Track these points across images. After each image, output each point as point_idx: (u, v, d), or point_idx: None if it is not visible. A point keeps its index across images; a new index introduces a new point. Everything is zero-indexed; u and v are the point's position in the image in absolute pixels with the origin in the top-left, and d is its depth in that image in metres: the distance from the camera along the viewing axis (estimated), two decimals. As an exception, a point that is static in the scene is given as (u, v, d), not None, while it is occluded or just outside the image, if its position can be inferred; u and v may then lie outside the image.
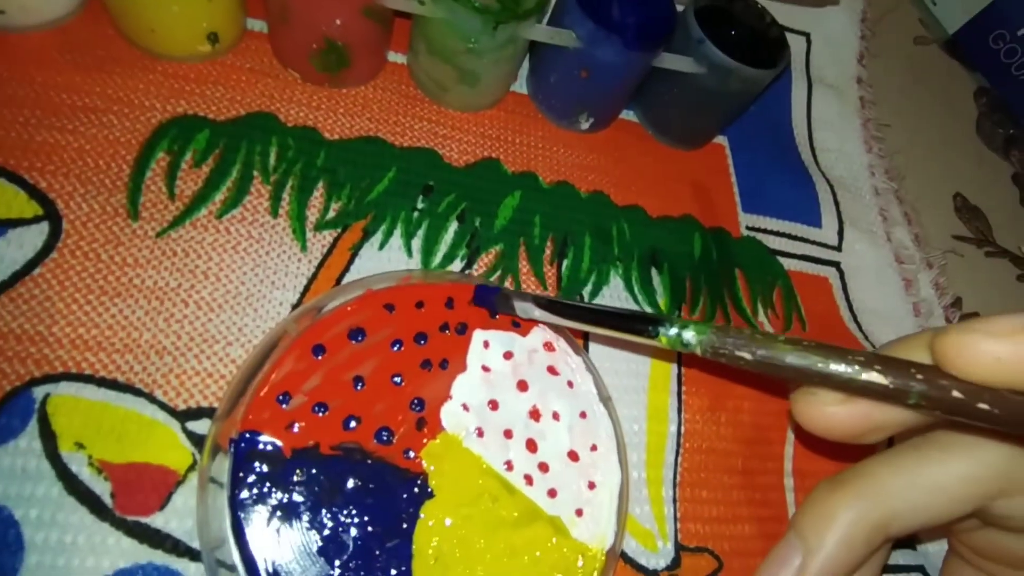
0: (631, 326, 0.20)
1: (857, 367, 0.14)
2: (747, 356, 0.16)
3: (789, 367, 0.15)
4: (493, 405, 0.23)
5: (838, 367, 0.14)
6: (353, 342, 0.23)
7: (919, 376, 0.14)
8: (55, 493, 0.20)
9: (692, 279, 0.32)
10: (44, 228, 0.23)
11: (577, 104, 0.33)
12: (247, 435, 0.20)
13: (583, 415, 0.24)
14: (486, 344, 0.24)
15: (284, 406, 0.21)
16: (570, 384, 0.25)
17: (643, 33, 0.30)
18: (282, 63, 0.30)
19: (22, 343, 0.21)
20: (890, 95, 0.47)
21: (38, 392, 0.21)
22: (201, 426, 0.22)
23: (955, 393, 0.13)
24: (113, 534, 0.20)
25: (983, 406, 0.13)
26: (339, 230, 0.27)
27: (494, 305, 0.23)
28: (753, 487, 0.28)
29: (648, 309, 0.31)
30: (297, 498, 0.20)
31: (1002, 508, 0.17)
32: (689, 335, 0.17)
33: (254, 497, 0.19)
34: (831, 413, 0.17)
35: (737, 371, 0.30)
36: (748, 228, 0.36)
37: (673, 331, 0.18)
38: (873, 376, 0.14)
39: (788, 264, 0.36)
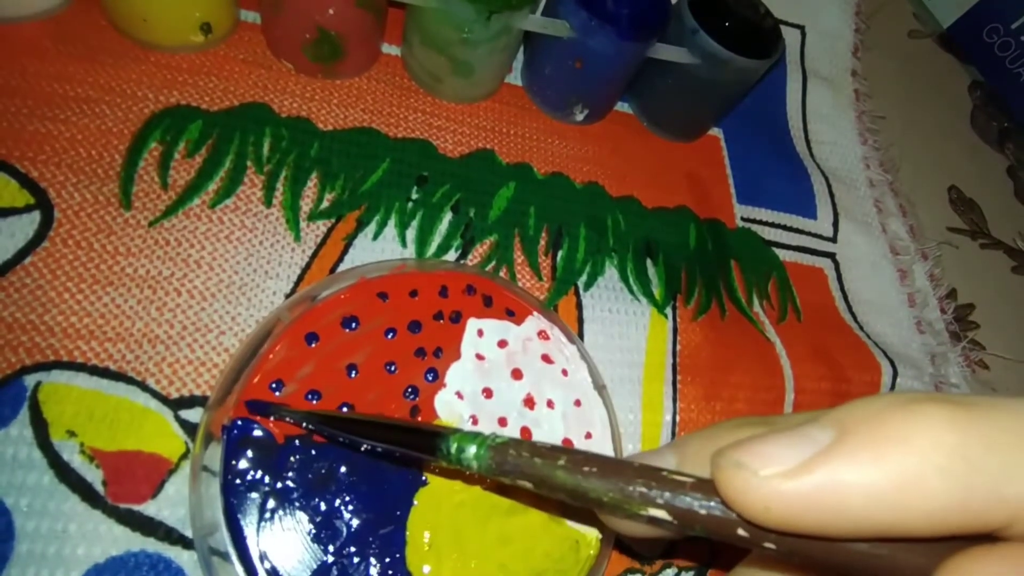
0: (411, 441, 0.18)
1: (639, 499, 0.13)
2: (527, 483, 0.15)
3: (571, 494, 0.14)
4: (487, 393, 0.23)
5: (620, 500, 0.13)
6: (347, 330, 0.23)
7: (703, 511, 0.12)
8: (46, 481, 0.20)
9: (687, 270, 0.32)
10: (36, 217, 0.23)
11: (571, 95, 0.33)
12: (240, 422, 0.20)
13: (577, 403, 0.24)
14: (480, 332, 0.24)
15: (277, 393, 0.21)
16: (564, 372, 0.25)
17: (637, 23, 0.30)
18: (275, 54, 0.30)
19: (13, 331, 0.21)
20: (885, 88, 0.47)
21: (30, 380, 0.21)
22: (194, 414, 0.22)
23: (740, 532, 0.12)
24: (105, 522, 0.20)
25: (769, 546, 0.12)
26: (333, 220, 0.27)
27: (268, 416, 0.21)
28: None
29: (643, 300, 0.31)
30: (290, 485, 0.20)
31: None
32: (468, 455, 0.16)
33: (247, 484, 0.19)
34: (624, 524, 0.15)
35: (731, 361, 0.31)
36: (743, 219, 0.36)
37: (453, 449, 0.16)
38: (655, 512, 0.13)
39: (783, 255, 0.36)
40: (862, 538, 0.11)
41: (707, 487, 0.12)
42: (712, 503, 0.12)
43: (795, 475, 0.11)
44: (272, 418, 0.20)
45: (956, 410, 0.10)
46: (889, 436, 0.10)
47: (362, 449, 0.20)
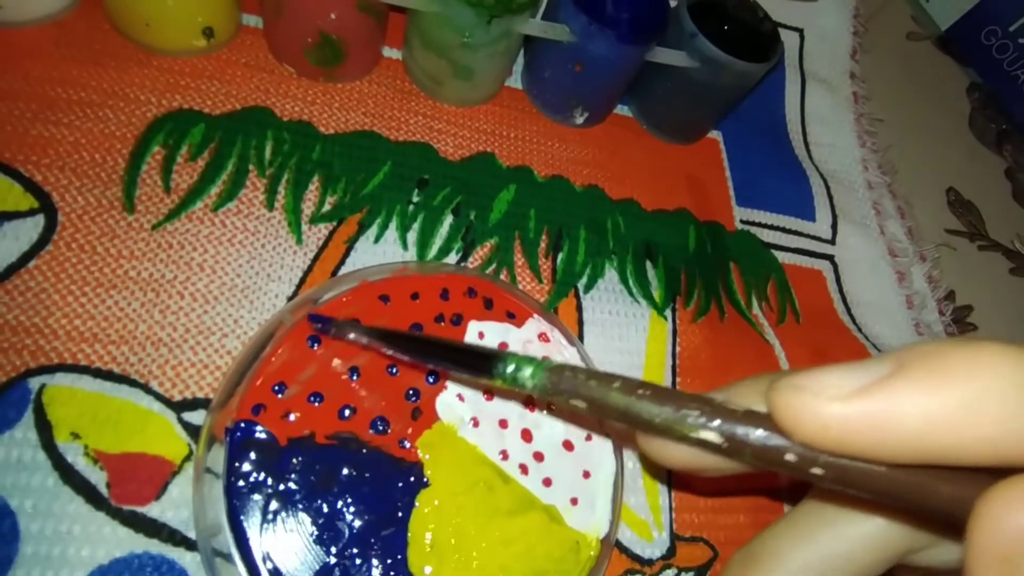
0: (466, 361, 0.18)
1: (691, 421, 0.13)
2: (580, 403, 0.15)
3: (622, 415, 0.14)
4: (488, 395, 0.23)
5: (672, 421, 0.13)
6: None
7: (752, 436, 0.12)
8: (51, 483, 0.20)
9: (687, 272, 0.33)
10: (40, 221, 0.23)
11: (571, 98, 0.33)
12: (243, 424, 0.20)
13: (578, 405, 0.25)
14: (481, 335, 0.24)
15: (280, 396, 0.21)
16: (565, 374, 0.25)
17: (636, 27, 0.30)
18: (277, 58, 0.30)
19: (18, 334, 0.21)
20: (883, 90, 0.47)
21: (34, 383, 0.21)
22: (197, 417, 0.22)
23: (788, 456, 0.12)
24: (109, 523, 0.20)
25: (816, 471, 0.12)
26: (335, 223, 0.27)
27: (328, 332, 0.22)
28: (748, 476, 0.28)
29: (643, 302, 0.31)
30: (293, 487, 0.20)
31: (920, 560, 0.16)
32: (525, 375, 0.16)
33: (250, 486, 0.20)
34: (667, 450, 0.16)
35: (730, 363, 0.31)
36: (742, 222, 0.36)
37: (509, 370, 0.16)
38: (706, 434, 0.13)
39: (782, 257, 0.36)
40: (914, 463, 0.11)
41: (758, 418, 0.13)
42: (762, 430, 0.13)
43: (855, 398, 0.11)
44: (321, 331, 0.21)
45: (1014, 348, 0.11)
46: (950, 367, 0.11)
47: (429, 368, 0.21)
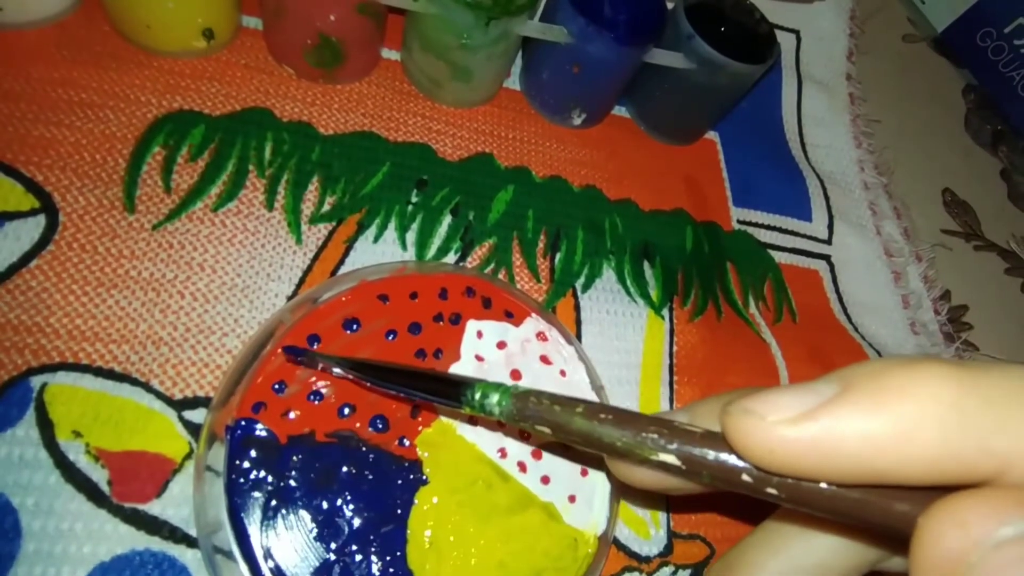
0: (436, 390, 0.19)
1: (651, 445, 0.13)
2: (545, 428, 0.15)
3: (585, 440, 0.15)
4: (487, 394, 0.24)
5: (632, 445, 0.14)
6: (348, 332, 0.23)
7: (710, 458, 0.13)
8: (52, 481, 0.20)
9: (684, 272, 0.33)
10: (41, 221, 0.23)
11: (569, 100, 0.33)
12: (243, 422, 0.20)
13: (576, 403, 0.25)
14: (479, 334, 0.25)
15: (280, 394, 0.21)
16: (563, 373, 0.25)
17: (634, 29, 0.31)
18: (277, 59, 0.30)
19: (19, 334, 0.21)
20: (879, 92, 0.48)
21: (36, 381, 0.21)
22: (197, 415, 0.22)
23: (744, 478, 0.13)
24: (110, 521, 0.20)
25: (771, 491, 0.13)
26: (334, 223, 0.27)
27: (303, 363, 0.22)
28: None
29: (640, 302, 0.31)
30: (293, 484, 0.20)
31: (892, 567, 0.16)
32: (491, 402, 0.16)
33: (250, 483, 0.20)
34: (632, 472, 0.16)
35: (727, 362, 0.31)
36: (739, 222, 0.36)
37: (476, 397, 0.17)
38: (665, 457, 0.13)
39: (779, 257, 0.36)
40: (859, 483, 0.12)
41: (715, 439, 0.13)
42: (719, 452, 0.13)
43: (799, 421, 0.12)
44: (304, 364, 0.21)
45: (954, 368, 0.11)
46: (890, 388, 0.11)
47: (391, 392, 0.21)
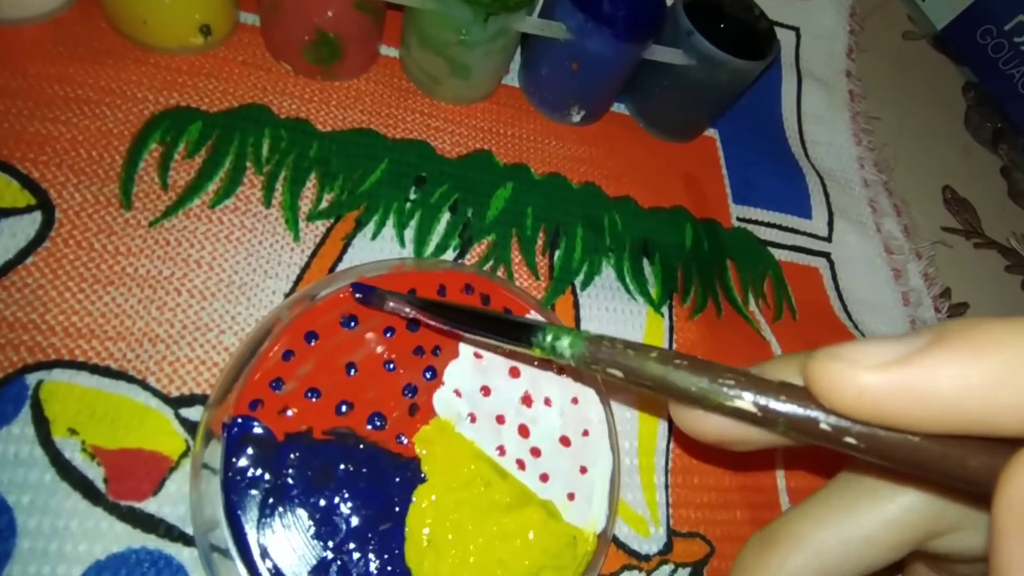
0: (505, 331, 0.18)
1: (727, 391, 0.13)
2: (617, 372, 0.15)
3: (659, 385, 0.14)
4: (485, 391, 0.24)
5: (708, 390, 0.14)
6: (346, 329, 0.23)
7: (787, 404, 0.13)
8: (48, 479, 0.20)
9: (683, 269, 0.33)
10: (37, 218, 0.23)
11: (568, 96, 0.33)
12: (240, 420, 0.20)
13: (575, 401, 0.25)
14: (478, 331, 0.25)
15: (277, 391, 0.21)
16: (561, 371, 0.25)
17: (633, 25, 0.30)
18: (274, 56, 0.30)
19: (15, 331, 0.21)
20: (879, 89, 0.48)
21: (31, 379, 0.21)
22: (194, 412, 0.22)
23: (822, 425, 0.13)
24: (106, 519, 0.20)
25: (850, 440, 0.12)
26: (332, 220, 0.27)
27: (370, 302, 0.22)
28: (745, 472, 0.29)
29: (640, 299, 0.31)
30: (290, 482, 0.20)
31: (938, 547, 0.16)
32: (563, 345, 0.16)
33: (247, 481, 0.20)
34: (700, 421, 0.16)
35: (727, 360, 0.31)
36: (739, 219, 0.36)
37: (548, 339, 0.17)
38: (742, 403, 0.13)
39: (779, 255, 0.36)
40: (948, 432, 0.12)
41: (793, 389, 0.13)
42: (798, 399, 0.13)
43: (893, 366, 0.12)
44: (371, 305, 0.22)
45: None
46: (987, 340, 0.11)
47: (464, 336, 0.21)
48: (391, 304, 0.21)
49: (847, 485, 0.17)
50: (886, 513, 0.16)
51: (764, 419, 0.13)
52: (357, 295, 0.22)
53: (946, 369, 0.11)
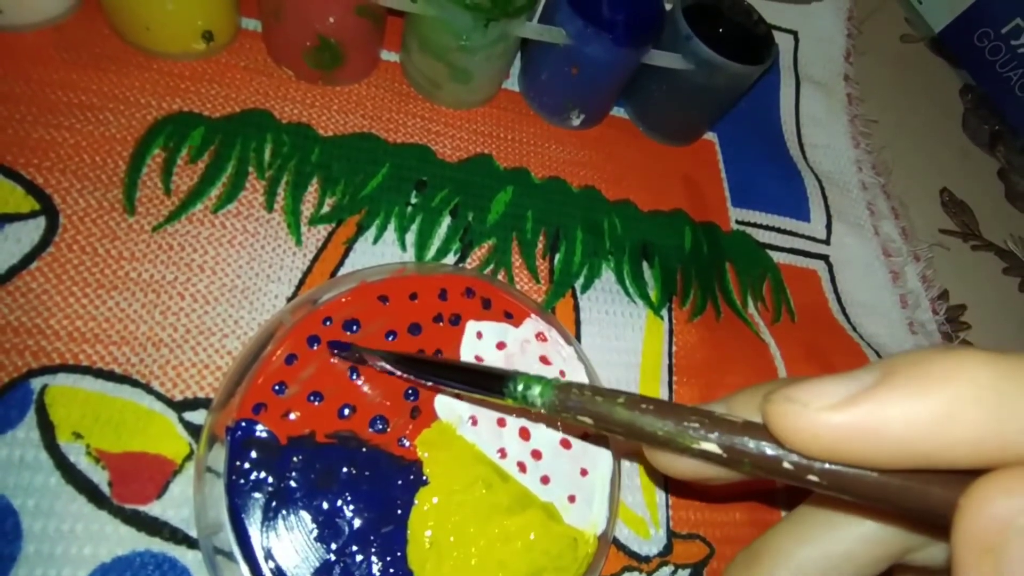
0: (479, 382, 0.19)
1: (692, 434, 0.14)
2: (587, 419, 0.16)
3: (627, 431, 0.15)
4: (486, 394, 0.24)
5: (674, 434, 0.14)
6: (348, 333, 0.23)
7: (752, 446, 0.13)
8: (53, 482, 0.20)
9: (683, 272, 0.33)
10: (41, 223, 0.23)
11: (568, 101, 0.33)
12: (243, 423, 0.20)
13: (575, 404, 0.25)
14: (479, 335, 0.25)
15: (280, 395, 0.21)
16: (562, 373, 0.25)
17: (632, 30, 0.31)
18: (276, 61, 0.30)
19: (20, 335, 0.21)
20: (877, 92, 0.48)
21: (36, 383, 0.21)
22: (198, 416, 0.22)
23: (785, 465, 0.13)
24: (111, 522, 0.20)
25: (812, 478, 0.13)
26: (333, 224, 0.28)
27: (350, 358, 0.22)
28: (750, 484, 0.29)
29: (639, 302, 0.31)
30: (293, 485, 0.20)
31: (917, 560, 0.17)
32: (533, 394, 0.17)
33: (251, 484, 0.20)
34: (672, 462, 0.17)
35: (726, 362, 0.31)
36: (738, 222, 0.36)
37: (519, 388, 0.17)
38: (708, 444, 0.14)
39: (777, 257, 0.36)
40: (902, 467, 0.12)
41: (756, 429, 0.13)
42: (761, 440, 0.13)
43: (843, 407, 0.12)
44: (345, 358, 0.22)
45: (991, 355, 0.11)
46: (932, 374, 0.11)
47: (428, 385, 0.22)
48: (367, 360, 0.22)
49: (827, 501, 0.17)
50: (864, 529, 0.16)
51: (730, 460, 0.14)
52: (334, 351, 0.22)
53: (893, 407, 0.11)
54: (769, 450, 0.13)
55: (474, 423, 0.23)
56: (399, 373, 0.21)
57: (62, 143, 0.25)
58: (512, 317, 0.25)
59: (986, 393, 0.11)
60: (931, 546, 0.16)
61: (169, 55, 0.28)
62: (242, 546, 0.19)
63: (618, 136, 0.36)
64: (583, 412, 0.16)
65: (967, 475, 0.11)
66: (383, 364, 0.21)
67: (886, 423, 0.11)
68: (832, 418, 0.12)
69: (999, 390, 0.11)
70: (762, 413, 0.13)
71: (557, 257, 0.31)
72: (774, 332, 0.33)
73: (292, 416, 0.21)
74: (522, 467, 0.23)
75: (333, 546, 0.20)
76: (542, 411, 0.17)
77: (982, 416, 0.11)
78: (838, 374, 0.13)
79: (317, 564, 0.19)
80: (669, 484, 0.27)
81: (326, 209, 0.28)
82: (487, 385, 0.18)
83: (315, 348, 0.22)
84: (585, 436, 0.24)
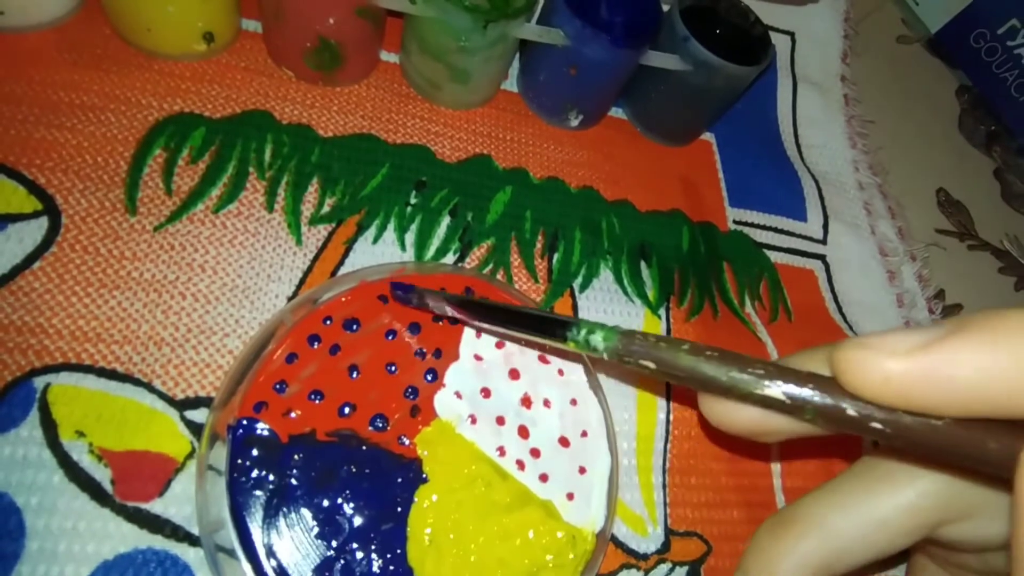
0: (541, 327, 0.19)
1: (756, 380, 0.14)
2: (650, 364, 0.16)
3: (689, 376, 0.15)
4: (485, 393, 0.24)
5: (737, 380, 0.14)
6: (348, 332, 0.23)
7: (815, 392, 0.13)
8: (56, 480, 0.20)
9: (680, 272, 0.33)
10: (43, 223, 0.24)
11: (566, 101, 0.34)
12: (245, 422, 0.21)
13: (574, 402, 0.25)
14: (478, 334, 0.25)
15: (281, 394, 0.21)
16: (560, 372, 0.25)
17: (630, 31, 0.31)
18: (276, 62, 0.30)
19: (22, 334, 0.22)
20: (874, 93, 0.48)
21: (39, 382, 0.21)
22: (199, 415, 0.22)
23: (849, 411, 0.13)
24: (113, 520, 0.20)
25: (876, 425, 0.13)
26: (333, 224, 0.28)
27: (410, 300, 0.23)
28: (741, 472, 0.29)
29: (637, 301, 0.31)
30: (294, 483, 0.20)
31: (950, 534, 0.17)
32: (596, 339, 0.17)
33: (252, 482, 0.20)
34: (730, 412, 0.17)
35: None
36: (735, 222, 0.36)
37: (582, 334, 0.17)
38: (771, 391, 0.14)
39: (774, 257, 0.36)
40: (968, 415, 0.12)
41: (820, 378, 0.14)
42: (825, 387, 0.13)
43: (916, 352, 0.12)
44: (408, 302, 0.22)
45: None
46: (1005, 328, 0.12)
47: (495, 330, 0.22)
48: (430, 303, 0.22)
49: (865, 472, 0.17)
50: (902, 499, 0.16)
51: (792, 407, 0.14)
52: (396, 292, 0.22)
53: (966, 355, 0.12)
54: (834, 397, 0.13)
55: (473, 421, 0.23)
56: (462, 317, 0.21)
57: (64, 144, 0.25)
58: (511, 316, 0.26)
59: None
60: (964, 520, 0.16)
61: (170, 56, 0.28)
62: (243, 543, 0.19)
63: (616, 136, 0.36)
64: (646, 357, 0.16)
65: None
66: (446, 307, 0.21)
67: (957, 371, 0.12)
68: (904, 364, 0.12)
69: None
70: (832, 359, 0.13)
71: (555, 257, 0.31)
72: (771, 331, 0.33)
73: (293, 414, 0.21)
74: (521, 465, 0.23)
75: (334, 543, 0.20)
76: (604, 356, 0.17)
77: None
78: (912, 327, 0.13)
79: (318, 561, 0.20)
80: (667, 481, 0.27)
81: (326, 209, 0.28)
82: (550, 331, 0.18)
83: (315, 347, 0.22)
84: (584, 434, 0.25)
